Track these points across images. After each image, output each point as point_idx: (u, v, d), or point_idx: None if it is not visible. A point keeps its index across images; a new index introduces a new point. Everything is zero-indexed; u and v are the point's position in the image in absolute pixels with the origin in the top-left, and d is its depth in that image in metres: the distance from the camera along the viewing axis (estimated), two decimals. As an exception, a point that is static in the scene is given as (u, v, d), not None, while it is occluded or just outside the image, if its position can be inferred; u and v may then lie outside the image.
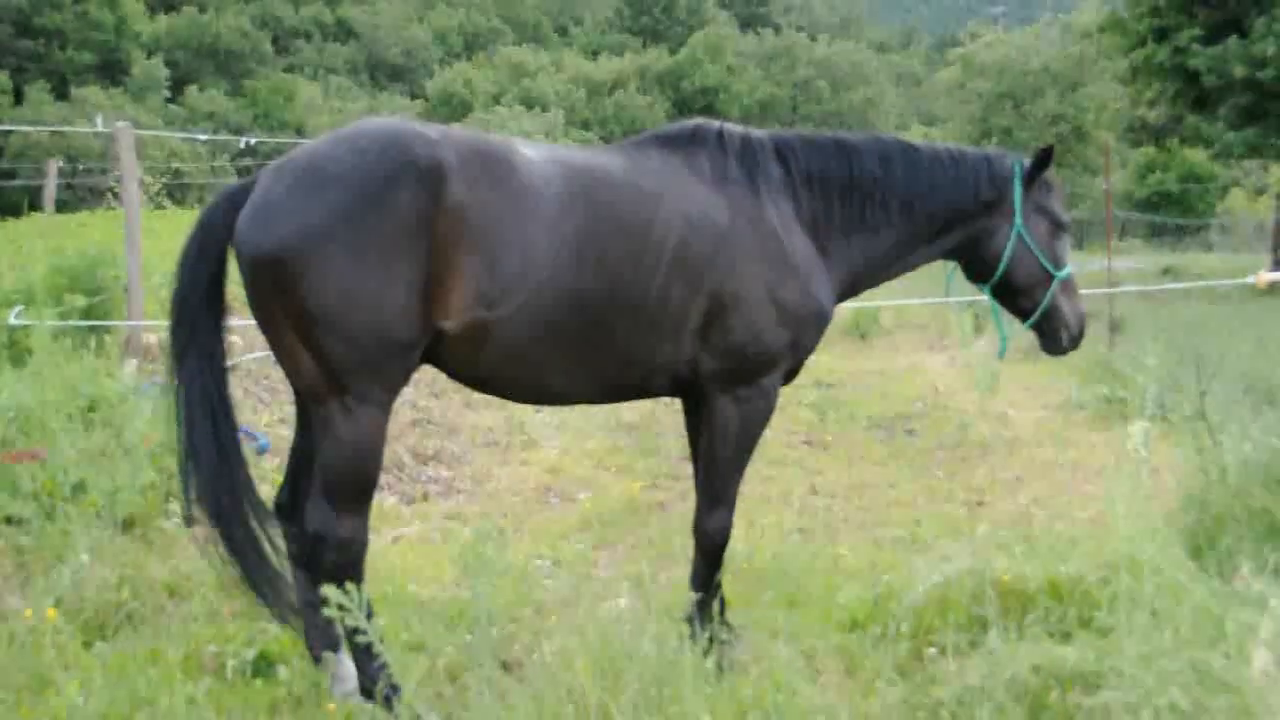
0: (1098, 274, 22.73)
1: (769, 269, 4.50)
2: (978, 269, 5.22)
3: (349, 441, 3.95)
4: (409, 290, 3.86)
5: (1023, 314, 5.26)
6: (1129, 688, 3.42)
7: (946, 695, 3.93)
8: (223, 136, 31.21)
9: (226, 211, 4.05)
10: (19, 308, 7.65)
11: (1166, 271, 27.22)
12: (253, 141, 17.75)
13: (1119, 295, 15.37)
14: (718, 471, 4.70)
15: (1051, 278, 5.11)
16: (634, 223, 4.28)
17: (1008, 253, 5.06)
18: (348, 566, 3.99)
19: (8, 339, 7.37)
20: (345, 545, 4.01)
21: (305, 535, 4.20)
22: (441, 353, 4.11)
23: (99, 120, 14.03)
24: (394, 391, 4.06)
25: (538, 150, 4.34)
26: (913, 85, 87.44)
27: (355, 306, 3.80)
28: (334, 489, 4.00)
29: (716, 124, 4.75)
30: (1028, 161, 5.13)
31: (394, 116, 4.25)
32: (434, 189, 3.87)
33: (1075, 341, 5.28)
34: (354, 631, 3.75)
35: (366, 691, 4.11)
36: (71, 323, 7.77)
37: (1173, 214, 41.85)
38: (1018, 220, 5.04)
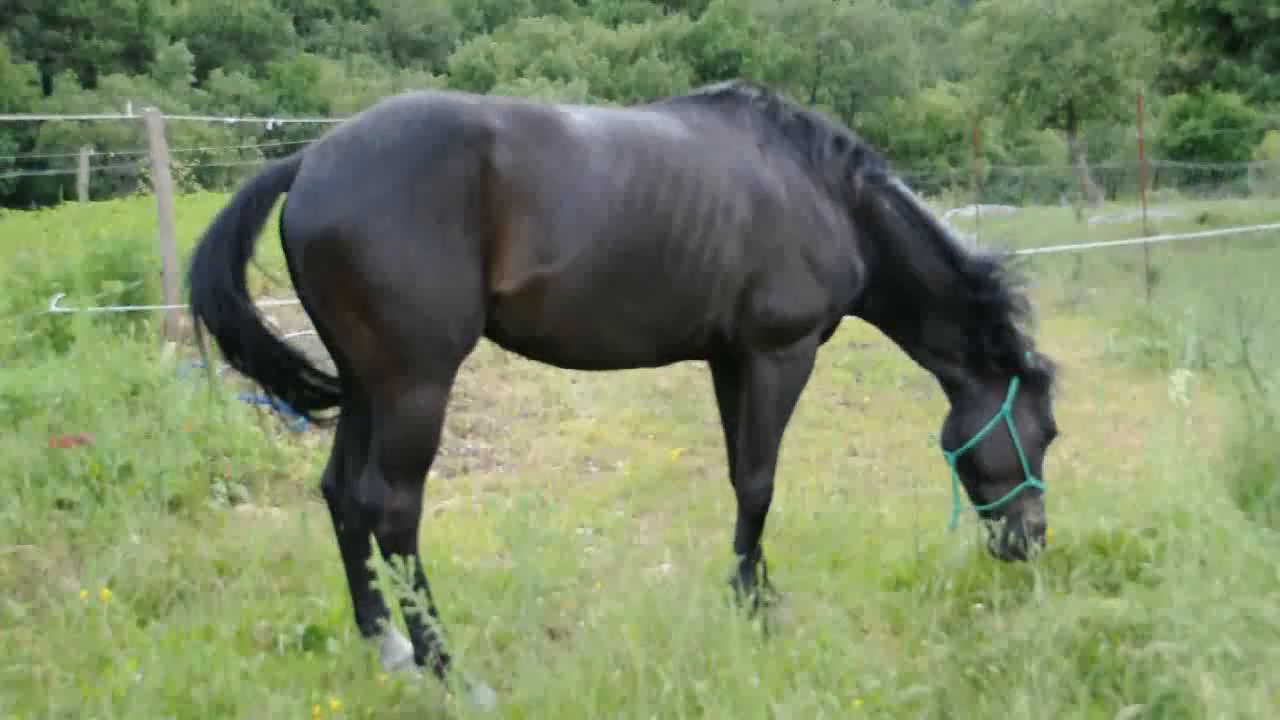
0: (1132, 224, 22.54)
1: (806, 230, 4.53)
2: (948, 435, 5.01)
3: (412, 417, 3.92)
4: (468, 258, 3.84)
5: (977, 498, 4.93)
6: (1180, 638, 3.41)
7: (994, 650, 3.93)
8: (249, 119, 31.24)
9: (256, 196, 4.05)
10: (59, 295, 7.74)
11: (1202, 219, 26.83)
12: (280, 123, 17.82)
13: (1155, 245, 15.20)
14: (759, 433, 4.72)
15: (1022, 480, 4.81)
16: (683, 174, 4.30)
17: (985, 431, 4.83)
18: (401, 538, 4.00)
19: (50, 326, 7.46)
20: (399, 517, 3.99)
21: (354, 512, 4.23)
22: (498, 317, 4.09)
23: (129, 107, 14.08)
24: (456, 364, 4.03)
25: (580, 110, 4.35)
26: (937, 41, 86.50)
27: (416, 279, 3.77)
28: (394, 464, 3.98)
29: (756, 87, 4.77)
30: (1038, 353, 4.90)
31: (428, 91, 4.22)
32: (483, 153, 3.85)
33: (1017, 553, 4.66)
34: (405, 603, 3.81)
35: (419, 660, 4.13)
36: (111, 308, 7.84)
37: (1207, 160, 41.31)
38: (1006, 406, 4.84)
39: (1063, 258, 16.37)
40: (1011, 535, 4.67)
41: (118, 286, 8.09)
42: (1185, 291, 11.51)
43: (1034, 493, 4.82)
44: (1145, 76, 37.27)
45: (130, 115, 11.81)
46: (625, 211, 4.14)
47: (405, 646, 4.33)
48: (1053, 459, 7.50)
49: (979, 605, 4.45)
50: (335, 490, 4.40)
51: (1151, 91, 37.76)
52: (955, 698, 3.82)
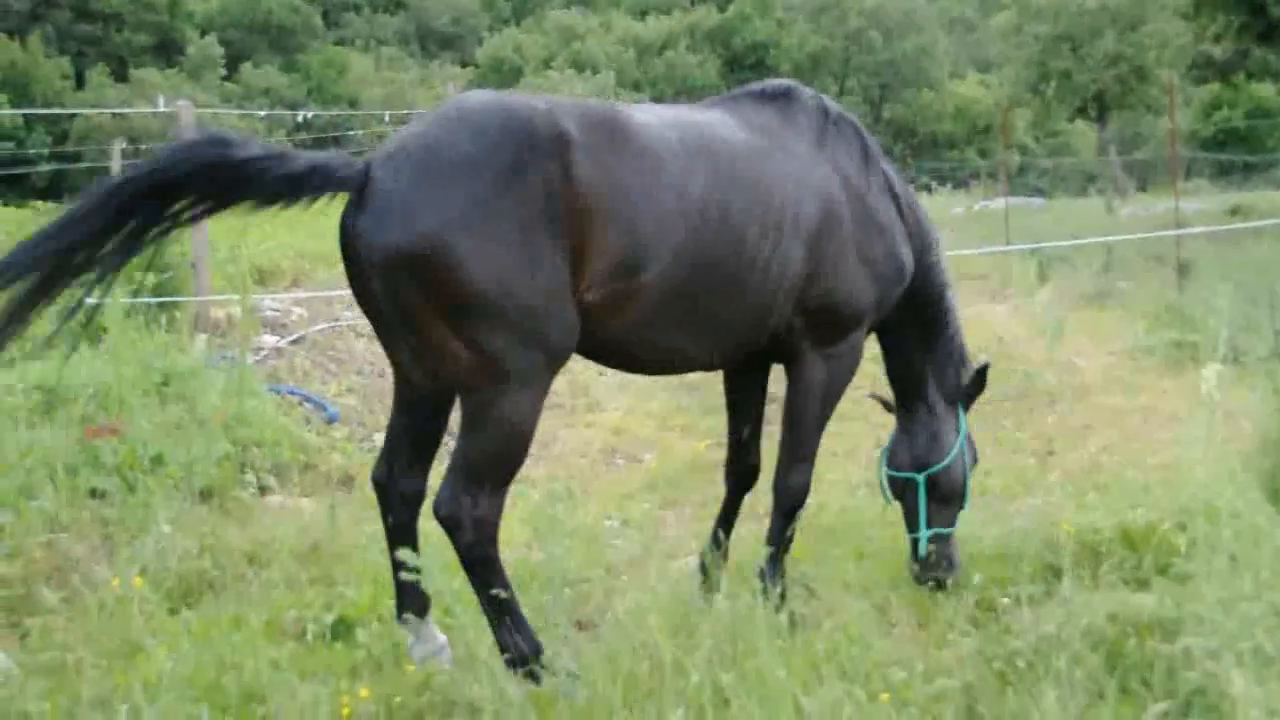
0: (1163, 216, 22.34)
1: (860, 229, 4.57)
2: (904, 457, 5.17)
3: (507, 425, 3.81)
4: (558, 266, 3.74)
5: (931, 522, 5.02)
6: (1211, 633, 3.39)
7: (1022, 645, 3.92)
8: (280, 112, 31.41)
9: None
10: (92, 286, 7.78)
11: (1234, 211, 26.55)
12: (310, 115, 17.87)
13: (1186, 238, 15.06)
14: (803, 429, 4.75)
15: (962, 505, 5.07)
16: (751, 178, 4.26)
17: (957, 447, 5.11)
18: (483, 546, 3.89)
19: (83, 317, 7.49)
20: (481, 525, 3.86)
21: (403, 506, 4.20)
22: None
23: (160, 101, 14.16)
24: (556, 371, 3.94)
25: (644, 111, 4.28)
26: (966, 31, 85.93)
27: (511, 292, 3.64)
28: (482, 472, 3.85)
29: (809, 88, 4.80)
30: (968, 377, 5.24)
31: (492, 94, 4.09)
32: (562, 161, 3.74)
33: (941, 583, 4.91)
34: (495, 604, 3.89)
35: (511, 664, 4.00)
36: (145, 299, 7.91)
37: (1239, 151, 40.90)
38: (963, 428, 5.17)
39: (1092, 250, 16.25)
40: (945, 561, 4.96)
41: (149, 278, 8.15)
42: (1216, 285, 11.42)
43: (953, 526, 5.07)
44: (1177, 66, 36.90)
45: (162, 109, 11.87)
46: (702, 223, 4.08)
47: (439, 638, 4.33)
48: (1081, 452, 7.51)
49: (1005, 599, 4.45)
50: (387, 484, 4.26)
51: (1183, 81, 37.37)
52: (982, 692, 3.81)
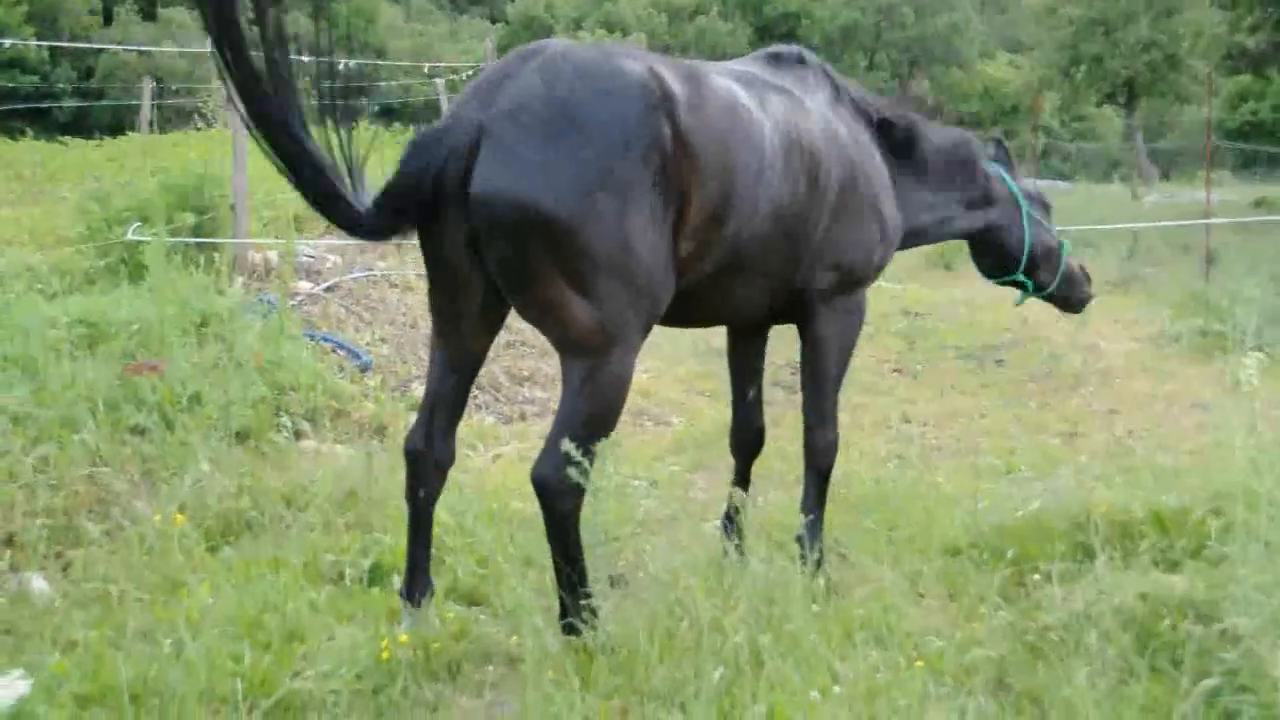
0: (1188, 205, 22.25)
1: (870, 185, 4.74)
2: (1000, 261, 5.71)
3: (617, 384, 3.86)
4: (668, 225, 3.79)
5: (1043, 286, 5.78)
6: (1252, 614, 3.42)
7: (1053, 620, 3.97)
8: (320, 59, 31.13)
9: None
10: (135, 223, 7.84)
11: (1259, 203, 26.44)
12: (347, 64, 17.71)
13: (1211, 228, 15.03)
14: (823, 386, 4.85)
15: (1060, 246, 5.74)
16: (799, 132, 4.38)
17: (1029, 238, 5.58)
18: (578, 509, 3.92)
19: (123, 254, 7.57)
20: (582, 489, 3.84)
21: (437, 476, 4.18)
22: None
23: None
24: (650, 329, 3.99)
25: (706, 65, 4.35)
26: (997, 11, 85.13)
27: (634, 253, 3.67)
28: (591, 433, 3.82)
29: (813, 55, 4.95)
30: (992, 149, 5.72)
31: (590, 43, 4.07)
32: (672, 119, 3.77)
33: (1089, 297, 6.02)
34: (573, 565, 3.95)
35: (570, 629, 4.03)
36: (185, 239, 7.94)
37: (1265, 144, 40.58)
38: (1025, 205, 5.59)
39: (1118, 236, 16.22)
40: (1080, 292, 5.94)
41: (189, 219, 8.19)
42: (1243, 275, 11.39)
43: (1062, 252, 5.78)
44: (1210, 56, 36.58)
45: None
46: (772, 176, 4.18)
47: (434, 622, 4.27)
48: (1108, 436, 7.54)
49: (1036, 575, 4.49)
50: (424, 453, 4.14)
51: (1214, 72, 37.05)
52: (1013, 664, 3.86)
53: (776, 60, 4.81)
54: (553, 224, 3.58)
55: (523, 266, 3.69)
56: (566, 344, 3.83)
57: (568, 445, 3.72)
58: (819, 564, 4.63)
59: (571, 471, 3.75)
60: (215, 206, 8.78)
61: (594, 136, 3.63)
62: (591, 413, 3.83)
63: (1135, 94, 43.54)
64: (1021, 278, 5.69)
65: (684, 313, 4.36)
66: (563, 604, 4.04)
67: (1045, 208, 5.73)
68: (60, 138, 22.97)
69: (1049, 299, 5.91)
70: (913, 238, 5.29)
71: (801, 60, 4.85)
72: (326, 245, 9.76)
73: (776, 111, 4.34)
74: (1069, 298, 5.91)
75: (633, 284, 3.72)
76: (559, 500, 3.84)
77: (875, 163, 4.83)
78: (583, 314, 3.71)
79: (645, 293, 3.78)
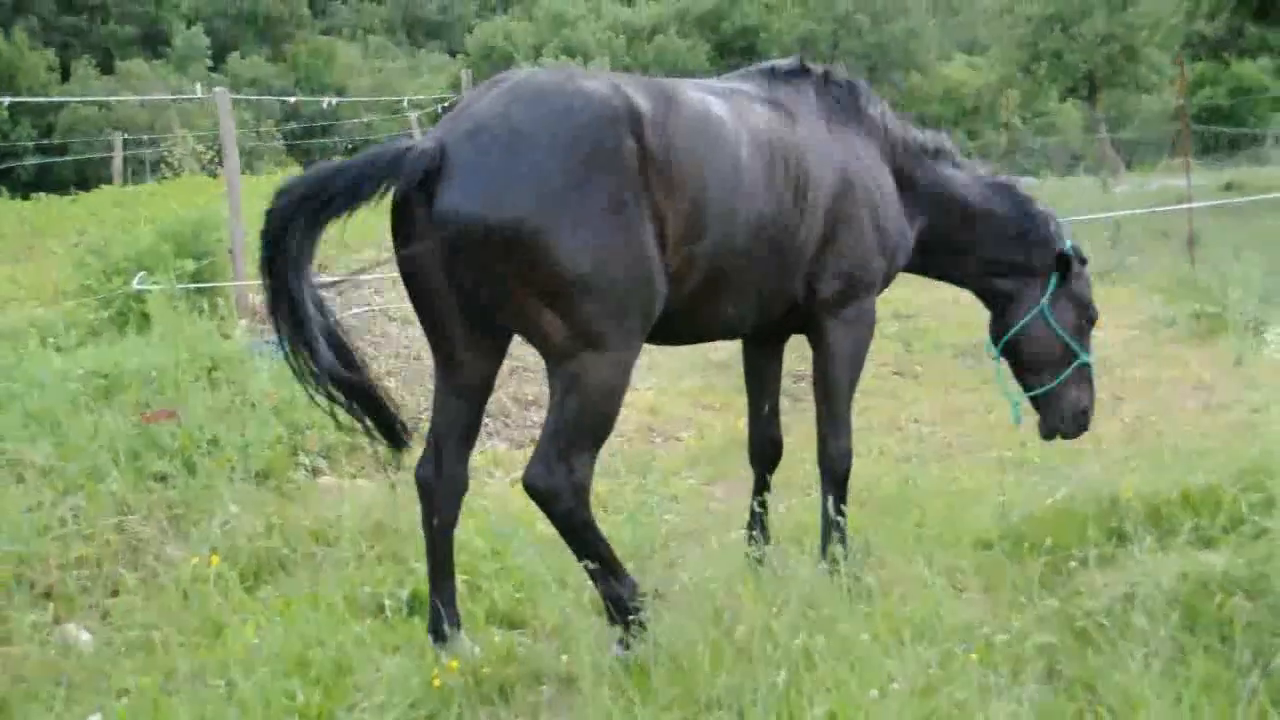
0: (1158, 192, 22.44)
1: (871, 197, 4.76)
2: (996, 326, 5.52)
3: (604, 390, 3.90)
4: (648, 236, 3.84)
5: (1026, 386, 5.49)
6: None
7: (1097, 605, 4.00)
8: (310, 98, 31.17)
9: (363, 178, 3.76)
10: (140, 274, 7.82)
11: (1228, 186, 26.71)
12: (333, 102, 17.74)
13: (1187, 212, 15.18)
14: (836, 396, 4.87)
15: (1072, 360, 5.31)
16: (784, 145, 4.43)
17: (1022, 322, 5.33)
18: (583, 509, 3.95)
19: (125, 305, 7.53)
20: (580, 490, 3.91)
21: (452, 501, 4.22)
22: None
23: (198, 88, 14.15)
24: (646, 333, 4.02)
25: (683, 83, 4.39)
26: (951, 14, 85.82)
27: (607, 265, 3.73)
28: (579, 437, 3.89)
29: (820, 65, 4.97)
30: (1070, 244, 5.37)
31: (555, 69, 4.18)
32: (638, 134, 3.83)
33: (1068, 433, 5.42)
34: (601, 562, 3.98)
35: (613, 621, 4.08)
36: (190, 285, 7.93)
37: (1224, 127, 40.99)
38: (1045, 299, 5.31)
39: (1094, 227, 16.35)
40: (1057, 421, 5.35)
41: (189, 265, 8.18)
42: (1228, 257, 11.53)
43: (1081, 371, 5.34)
44: (1168, 46, 37.03)
45: (200, 95, 11.87)
46: (751, 188, 4.23)
47: (469, 644, 4.28)
48: (1116, 422, 7.58)
49: (1073, 562, 4.51)
50: (434, 481, 4.20)
51: (1173, 60, 37.46)
52: (1063, 651, 3.88)
53: (772, 74, 4.84)
54: (514, 240, 3.66)
55: (491, 283, 3.79)
56: (548, 354, 3.94)
57: (559, 450, 3.85)
58: (854, 565, 4.66)
59: (561, 473, 3.85)
60: (213, 252, 8.79)
61: (553, 152, 3.70)
62: (579, 419, 3.90)
63: (1096, 87, 43.95)
64: (995, 353, 5.58)
65: (679, 328, 4.41)
66: (609, 613, 4.09)
67: (1089, 319, 5.43)
68: (32, 195, 22.86)
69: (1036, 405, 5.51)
70: None
71: (803, 71, 4.87)
72: (320, 284, 9.73)
73: (757, 124, 4.38)
74: (1045, 415, 5.45)
75: (605, 296, 3.77)
76: (553, 502, 3.90)
77: (875, 174, 4.82)
78: (555, 326, 3.80)
79: (624, 303, 3.82)
